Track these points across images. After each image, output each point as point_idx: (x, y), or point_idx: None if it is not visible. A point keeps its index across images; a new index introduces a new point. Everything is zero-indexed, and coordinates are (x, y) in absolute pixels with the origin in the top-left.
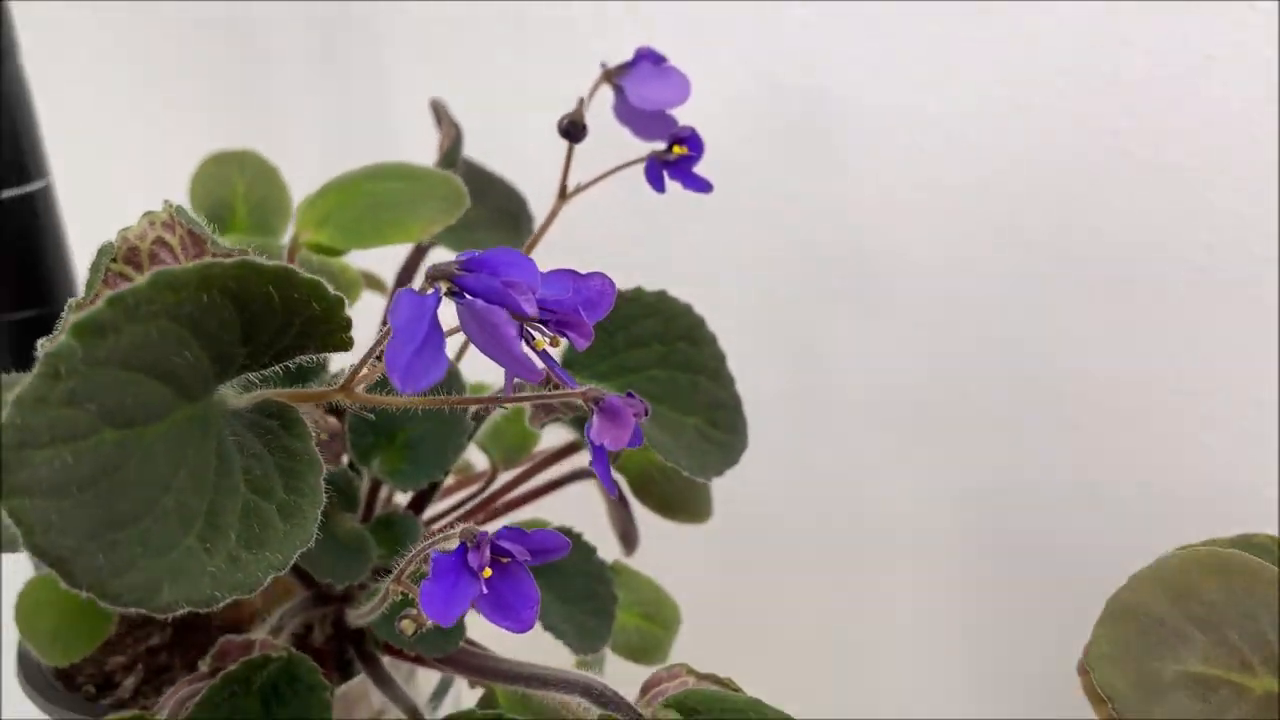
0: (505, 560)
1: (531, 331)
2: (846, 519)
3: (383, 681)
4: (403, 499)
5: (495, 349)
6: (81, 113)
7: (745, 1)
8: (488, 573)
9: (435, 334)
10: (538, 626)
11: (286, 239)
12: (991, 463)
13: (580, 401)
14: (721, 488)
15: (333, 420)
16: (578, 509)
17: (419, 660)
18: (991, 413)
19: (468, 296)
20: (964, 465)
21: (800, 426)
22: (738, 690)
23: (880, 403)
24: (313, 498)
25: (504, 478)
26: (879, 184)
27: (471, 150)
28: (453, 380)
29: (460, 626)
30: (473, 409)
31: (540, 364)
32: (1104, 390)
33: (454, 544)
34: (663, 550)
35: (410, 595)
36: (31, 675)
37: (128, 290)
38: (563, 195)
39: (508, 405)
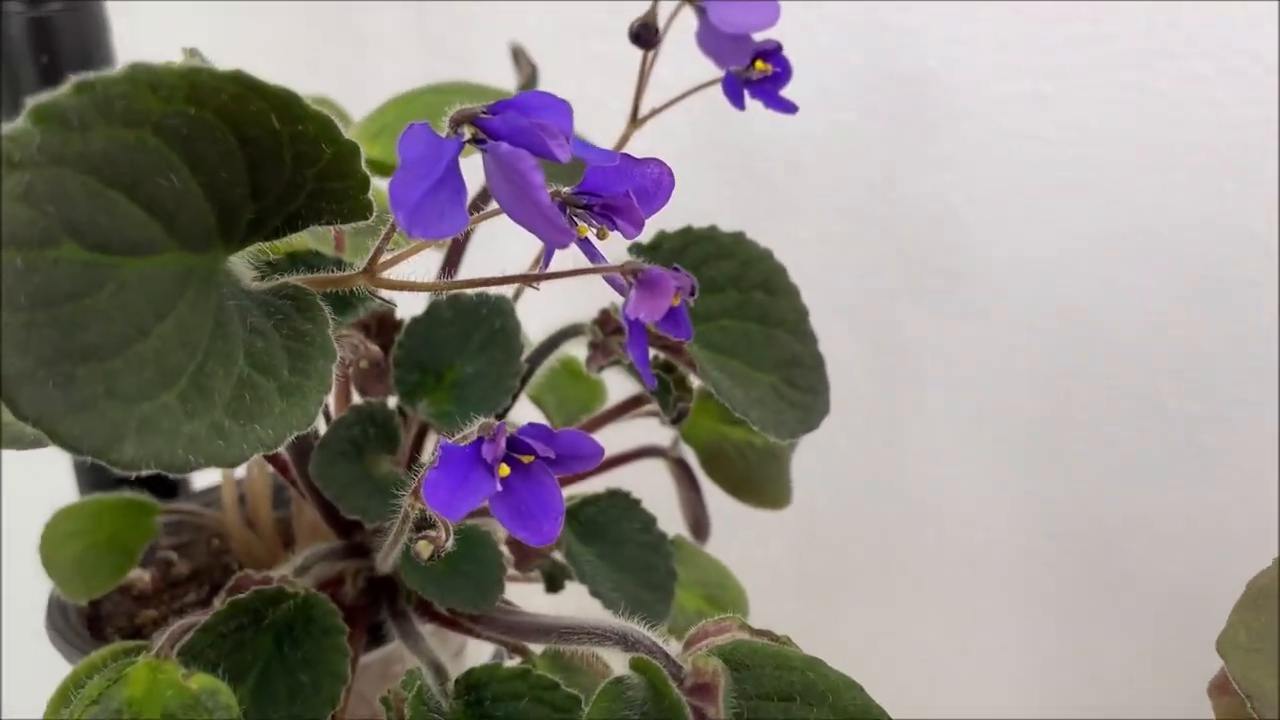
0: (527, 460)
1: (574, 218)
2: (933, 539)
3: (409, 636)
4: None
5: (521, 203)
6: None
7: None
8: (505, 471)
9: (454, 179)
10: (589, 600)
11: None
12: (1100, 490)
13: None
14: (797, 494)
15: (374, 348)
16: (645, 491)
17: (453, 620)
18: (1103, 434)
19: (492, 142)
20: (1068, 491)
21: (886, 435)
22: (795, 647)
23: (976, 416)
24: (318, 381)
25: None
26: (986, 177)
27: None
28: (506, 316)
29: (496, 582)
30: (524, 353)
31: (570, 229)
32: (1242, 416)
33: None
34: (731, 554)
35: (427, 512)
36: (58, 622)
37: (97, 77)
38: (634, 120)
39: (538, 284)
